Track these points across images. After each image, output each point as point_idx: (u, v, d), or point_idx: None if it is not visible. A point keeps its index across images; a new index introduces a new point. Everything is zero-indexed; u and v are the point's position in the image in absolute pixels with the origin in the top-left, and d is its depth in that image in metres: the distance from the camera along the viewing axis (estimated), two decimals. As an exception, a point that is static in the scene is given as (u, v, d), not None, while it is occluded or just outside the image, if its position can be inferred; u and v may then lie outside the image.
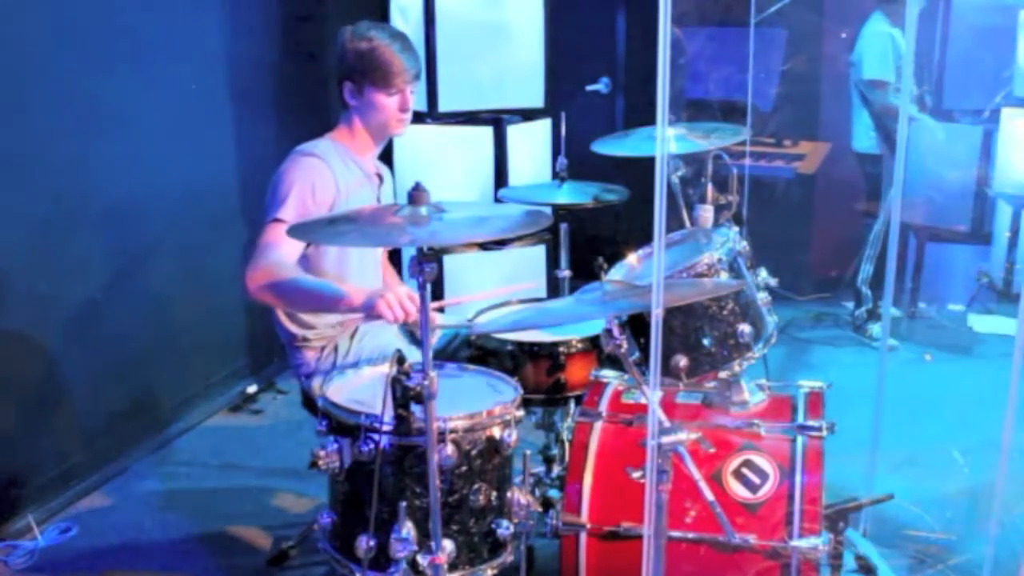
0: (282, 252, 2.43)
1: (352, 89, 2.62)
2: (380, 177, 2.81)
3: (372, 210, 2.13)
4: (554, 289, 3.34)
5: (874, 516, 2.91)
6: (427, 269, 1.82)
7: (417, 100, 4.19)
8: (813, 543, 2.08)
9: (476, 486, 2.06)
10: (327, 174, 2.57)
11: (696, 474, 1.87)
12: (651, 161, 1.64)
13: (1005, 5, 4.95)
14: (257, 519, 3.19)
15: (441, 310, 2.61)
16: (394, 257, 3.93)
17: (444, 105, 4.24)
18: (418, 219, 1.90)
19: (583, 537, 2.19)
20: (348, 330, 2.73)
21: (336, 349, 2.71)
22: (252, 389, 4.22)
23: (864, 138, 4.87)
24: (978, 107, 5.09)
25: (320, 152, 2.60)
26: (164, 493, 3.41)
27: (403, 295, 2.28)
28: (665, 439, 1.75)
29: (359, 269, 2.70)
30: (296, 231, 2.14)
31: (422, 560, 1.95)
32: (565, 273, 3.12)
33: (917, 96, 4.84)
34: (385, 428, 1.99)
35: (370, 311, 2.30)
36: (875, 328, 4.79)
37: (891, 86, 4.65)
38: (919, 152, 4.62)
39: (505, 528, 2.10)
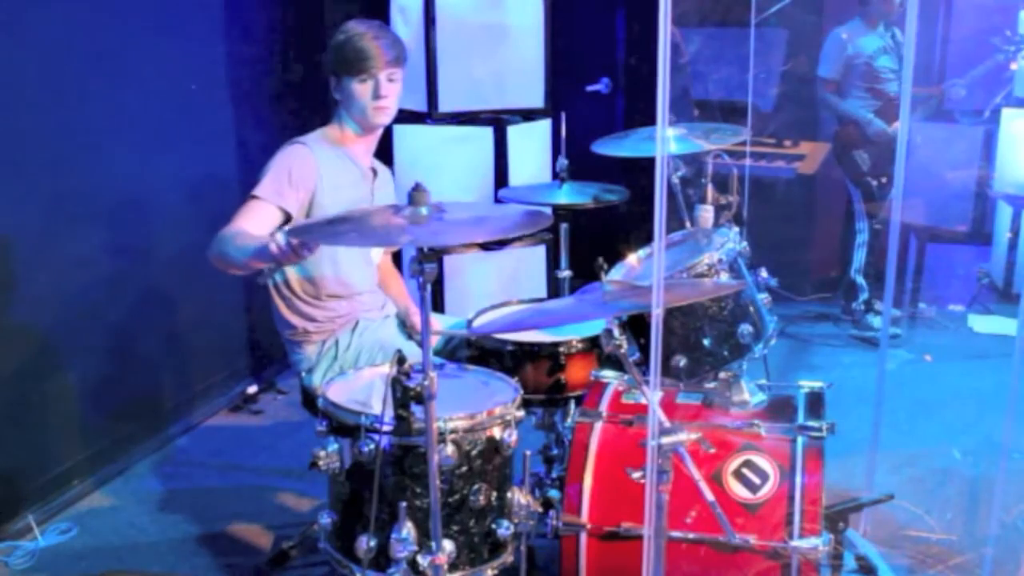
0: (245, 223, 2.52)
1: (335, 83, 2.69)
2: (375, 172, 2.82)
3: (372, 210, 2.13)
4: (554, 289, 3.34)
5: (874, 516, 2.91)
6: (427, 269, 1.82)
7: (417, 100, 4.24)
8: (813, 543, 2.07)
9: (476, 486, 2.06)
10: (309, 159, 2.62)
11: (696, 474, 1.87)
12: (651, 161, 1.64)
13: (1005, 5, 4.96)
14: (257, 519, 3.18)
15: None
16: (394, 256, 3.94)
17: (444, 105, 4.24)
18: (418, 219, 1.90)
19: (583, 537, 2.18)
20: (349, 325, 2.74)
21: (337, 343, 2.72)
22: (252, 389, 4.21)
23: None
24: (978, 107, 5.10)
25: (306, 140, 2.67)
26: (164, 493, 3.41)
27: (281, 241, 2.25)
28: (665, 439, 1.75)
29: (349, 268, 2.74)
30: (297, 232, 2.14)
31: (422, 560, 1.95)
32: (565, 273, 3.12)
33: (927, 95, 4.86)
34: (385, 428, 1.99)
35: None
36: (875, 320, 4.80)
37: (834, 84, 4.81)
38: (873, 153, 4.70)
39: (505, 528, 2.10)
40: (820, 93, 4.91)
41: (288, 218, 2.57)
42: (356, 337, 2.73)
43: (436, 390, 1.86)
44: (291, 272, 2.70)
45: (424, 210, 1.91)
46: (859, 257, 4.93)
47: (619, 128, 5.14)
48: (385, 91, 2.65)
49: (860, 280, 4.94)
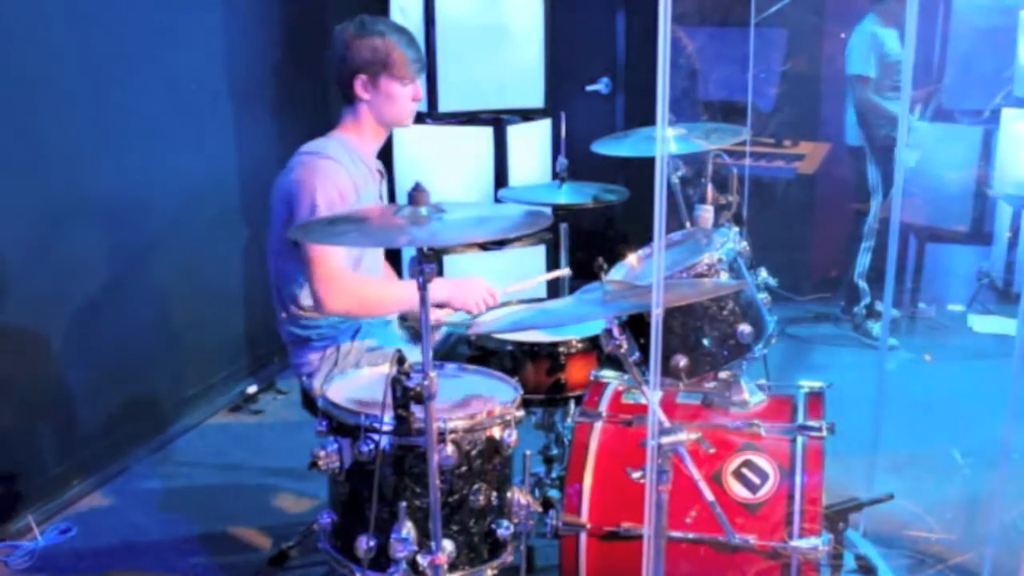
0: (341, 260, 2.52)
1: (366, 82, 2.63)
2: (381, 173, 2.82)
3: (372, 210, 2.13)
4: (554, 289, 3.34)
5: (874, 516, 2.91)
6: (427, 269, 1.82)
7: (417, 100, 4.22)
8: (813, 543, 2.07)
9: (476, 486, 2.06)
10: (344, 174, 2.58)
11: (696, 474, 1.87)
12: (651, 161, 1.64)
13: (1005, 5, 4.96)
14: (257, 519, 3.19)
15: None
16: (394, 257, 3.94)
17: (444, 105, 4.24)
18: (418, 219, 1.90)
19: (583, 537, 2.18)
20: (351, 330, 2.73)
21: (338, 349, 2.71)
22: (252, 389, 4.22)
23: (851, 132, 4.93)
24: (978, 107, 5.10)
25: (331, 153, 2.60)
26: (164, 493, 3.41)
27: (483, 290, 2.58)
28: (665, 439, 1.75)
29: (369, 269, 2.72)
30: (296, 232, 2.14)
31: (422, 560, 1.95)
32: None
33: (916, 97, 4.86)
34: (385, 428, 1.99)
35: (449, 305, 2.59)
36: (875, 327, 4.80)
37: (872, 82, 4.71)
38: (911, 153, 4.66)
39: (505, 528, 2.10)
40: (858, 92, 4.77)
41: None
42: (357, 343, 2.73)
43: (436, 390, 1.86)
44: (305, 298, 2.68)
45: (424, 210, 1.91)
46: (863, 262, 4.92)
47: (619, 128, 5.15)
48: (420, 94, 2.72)
49: (863, 284, 4.94)
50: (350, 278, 2.55)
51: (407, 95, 2.66)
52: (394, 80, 2.62)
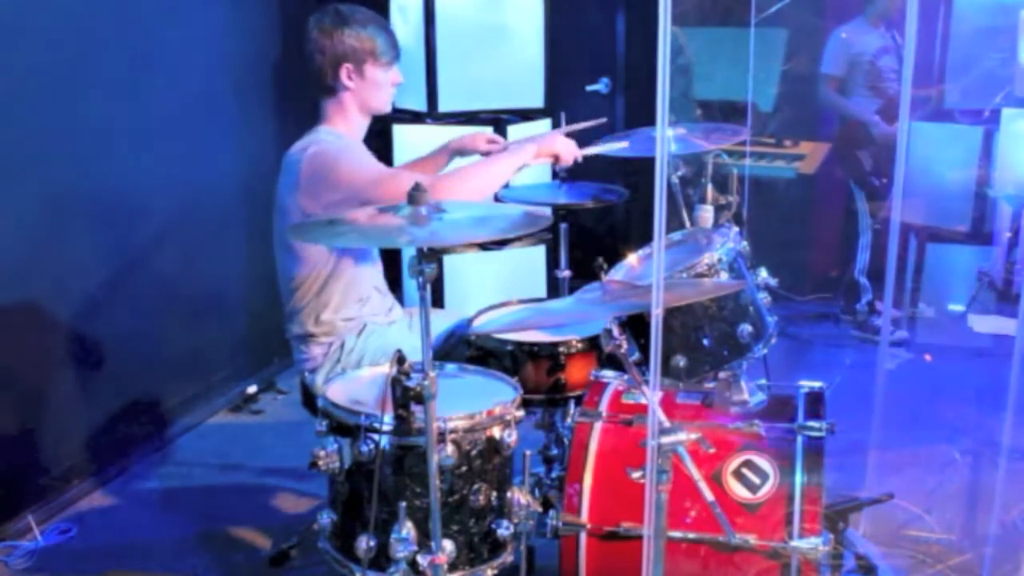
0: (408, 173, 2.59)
1: (352, 71, 2.65)
2: None
3: (371, 210, 2.13)
4: (554, 289, 3.34)
5: (874, 516, 2.91)
6: (427, 269, 1.82)
7: (417, 100, 4.23)
8: (813, 543, 2.07)
9: (476, 486, 2.06)
10: (351, 146, 2.64)
11: (696, 474, 1.87)
12: (651, 161, 1.64)
13: (1005, 5, 4.96)
14: (257, 519, 3.19)
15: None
16: (394, 257, 3.94)
17: (444, 105, 4.24)
18: (418, 219, 1.90)
19: (583, 537, 2.18)
20: (356, 328, 2.74)
21: (343, 346, 2.71)
22: (252, 389, 4.21)
23: None
24: (978, 107, 5.10)
25: (325, 139, 2.64)
26: (164, 493, 3.41)
27: (567, 142, 2.71)
28: (665, 439, 1.75)
29: (361, 262, 2.73)
30: (297, 232, 2.14)
31: (422, 560, 1.95)
32: (565, 273, 3.12)
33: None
34: (385, 428, 1.99)
35: (540, 154, 2.69)
36: (880, 323, 4.81)
37: (839, 81, 4.91)
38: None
39: (505, 528, 2.10)
40: (823, 90, 4.95)
41: None
42: (361, 341, 2.73)
43: (436, 390, 1.86)
44: (328, 297, 2.69)
45: (424, 210, 1.91)
46: (863, 258, 4.94)
47: (619, 128, 5.14)
48: (400, 78, 2.75)
49: (863, 281, 4.95)
50: (450, 178, 2.59)
51: (388, 79, 2.70)
52: (379, 66, 2.66)
